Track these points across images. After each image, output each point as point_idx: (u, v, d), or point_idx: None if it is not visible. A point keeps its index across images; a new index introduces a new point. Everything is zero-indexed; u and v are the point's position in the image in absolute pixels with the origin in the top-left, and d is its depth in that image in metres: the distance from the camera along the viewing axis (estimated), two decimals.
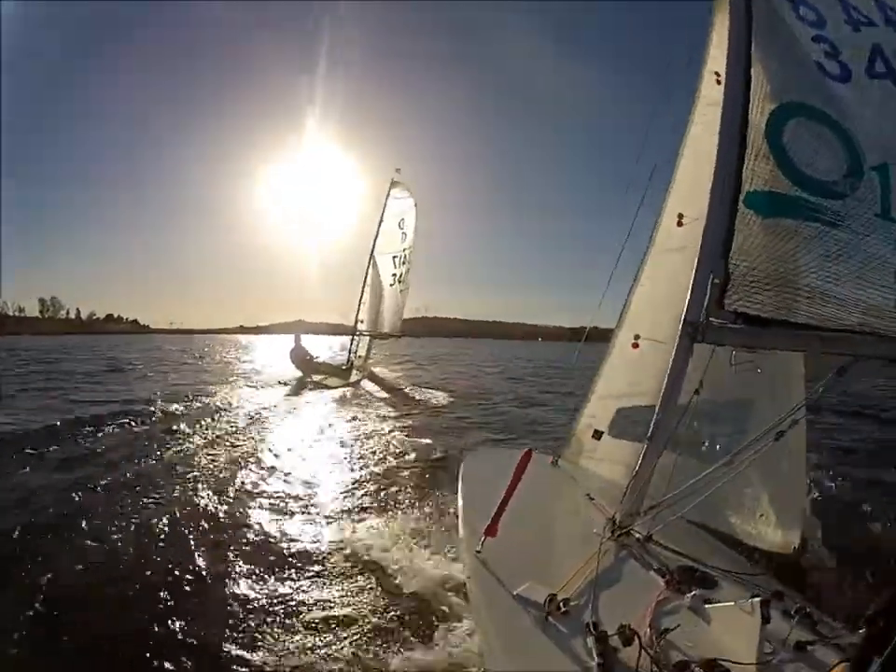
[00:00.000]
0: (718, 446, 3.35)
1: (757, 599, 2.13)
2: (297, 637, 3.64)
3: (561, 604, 2.36)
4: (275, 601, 4.08)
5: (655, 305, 4.08)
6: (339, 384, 17.81)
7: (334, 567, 4.65)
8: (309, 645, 3.55)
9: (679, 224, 3.79)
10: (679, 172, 4.14)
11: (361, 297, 20.19)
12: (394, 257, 19.70)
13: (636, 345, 4.20)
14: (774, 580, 2.98)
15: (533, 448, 3.40)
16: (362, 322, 20.13)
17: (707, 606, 2.43)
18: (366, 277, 20.16)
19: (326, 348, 23.12)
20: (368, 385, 18.72)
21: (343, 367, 19.48)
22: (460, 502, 3.78)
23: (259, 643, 3.56)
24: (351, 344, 20.29)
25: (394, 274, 19.69)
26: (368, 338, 20.36)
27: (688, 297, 2.94)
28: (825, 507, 5.43)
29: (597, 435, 4.41)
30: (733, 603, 2.28)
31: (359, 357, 20.20)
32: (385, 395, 16.82)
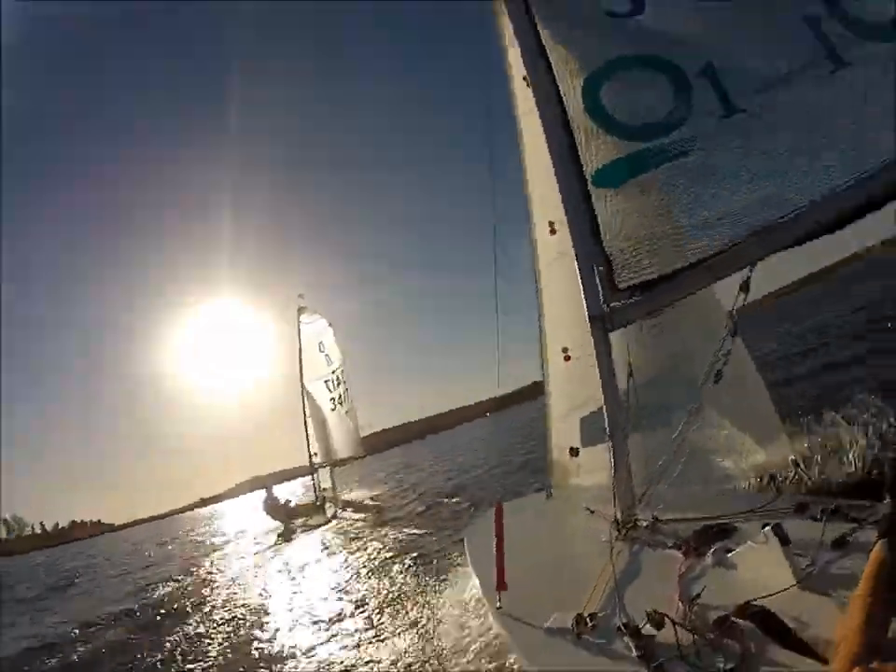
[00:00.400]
0: (674, 410, 3.38)
1: (767, 527, 2.15)
2: None
3: (588, 619, 2.33)
4: None
5: (565, 315, 4.17)
6: (322, 521, 16.95)
7: None
8: None
9: (553, 232, 3.92)
10: (529, 186, 4.27)
11: (306, 430, 19.57)
12: (325, 381, 19.32)
13: (567, 358, 4.31)
14: (794, 495, 3.08)
15: (500, 500, 3.48)
16: (316, 455, 19.45)
17: (728, 555, 2.43)
18: (304, 409, 19.58)
19: (289, 493, 22.06)
20: (351, 515, 17.26)
21: (317, 503, 18.63)
22: (473, 572, 3.78)
23: None
24: (313, 480, 19.50)
25: (332, 399, 19.23)
26: (328, 468, 19.69)
27: (581, 294, 3.01)
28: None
29: (574, 452, 4.48)
30: (748, 543, 2.30)
31: (324, 489, 19.44)
32: (392, 524, 13.36)
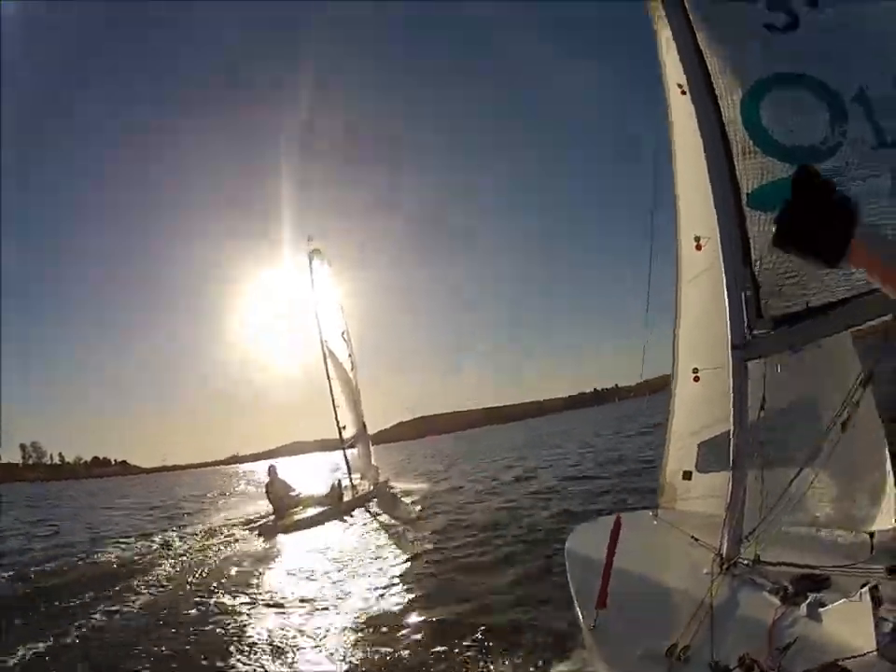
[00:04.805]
0: (797, 450, 3.45)
1: (865, 588, 2.35)
2: None
3: (681, 653, 2.53)
4: None
5: (702, 334, 4.32)
6: (319, 520, 14.30)
7: None
8: None
9: (699, 248, 4.01)
10: (679, 197, 4.42)
11: (332, 397, 17.13)
12: (342, 332, 18.36)
13: (696, 378, 4.42)
14: (889, 556, 3.14)
15: (620, 512, 3.58)
16: (345, 428, 17.20)
17: (821, 609, 2.62)
18: (327, 372, 17.22)
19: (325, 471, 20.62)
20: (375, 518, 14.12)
21: (326, 494, 15.95)
22: (571, 583, 3.91)
23: None
24: (346, 459, 17.08)
25: (350, 355, 18.37)
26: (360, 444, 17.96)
27: (727, 319, 3.17)
28: None
29: (687, 476, 4.63)
30: (844, 600, 2.49)
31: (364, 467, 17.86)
32: None
